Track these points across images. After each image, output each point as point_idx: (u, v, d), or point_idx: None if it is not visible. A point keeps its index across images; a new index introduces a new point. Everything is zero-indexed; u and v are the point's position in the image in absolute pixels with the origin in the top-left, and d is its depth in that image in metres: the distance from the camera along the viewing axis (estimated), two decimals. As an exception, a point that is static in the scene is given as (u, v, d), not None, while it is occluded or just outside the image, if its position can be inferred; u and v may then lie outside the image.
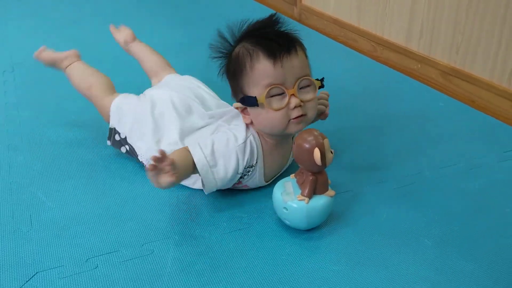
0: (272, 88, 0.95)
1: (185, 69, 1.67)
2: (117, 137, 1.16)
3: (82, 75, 1.26)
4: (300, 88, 0.97)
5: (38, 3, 2.50)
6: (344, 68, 1.76)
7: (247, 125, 1.02)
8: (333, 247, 0.92)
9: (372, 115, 1.42)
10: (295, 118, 0.96)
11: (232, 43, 1.01)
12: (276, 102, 0.96)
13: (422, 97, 1.55)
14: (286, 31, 0.99)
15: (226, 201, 1.04)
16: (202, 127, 1.10)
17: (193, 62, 1.75)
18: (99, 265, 0.88)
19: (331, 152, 0.92)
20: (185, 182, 1.07)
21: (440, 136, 1.31)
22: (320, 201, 0.93)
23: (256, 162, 1.02)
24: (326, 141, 0.91)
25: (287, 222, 0.95)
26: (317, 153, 0.89)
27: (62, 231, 0.96)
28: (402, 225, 0.98)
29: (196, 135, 1.09)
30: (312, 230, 0.96)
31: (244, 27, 1.00)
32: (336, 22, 2.05)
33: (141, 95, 1.22)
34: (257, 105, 0.96)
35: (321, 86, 1.03)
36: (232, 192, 1.06)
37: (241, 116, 1.02)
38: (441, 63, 1.59)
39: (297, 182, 0.96)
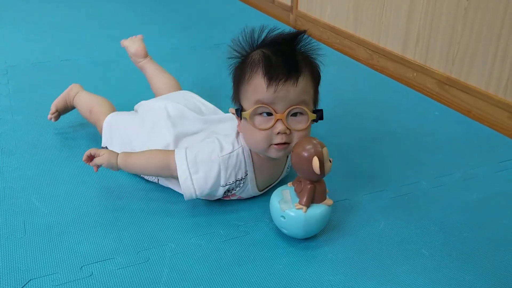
0: (260, 106, 0.92)
1: (181, 74, 1.67)
2: None
3: (84, 102, 1.27)
4: (291, 115, 0.93)
5: (33, 6, 2.48)
6: (340, 76, 1.76)
7: (238, 135, 1.00)
8: (330, 257, 0.92)
9: (368, 123, 1.42)
10: (277, 144, 0.93)
11: (247, 49, 0.97)
12: (262, 121, 0.93)
13: (418, 106, 1.55)
14: (305, 53, 0.95)
15: (222, 209, 1.03)
16: (195, 132, 1.09)
17: (189, 67, 1.75)
18: (94, 273, 0.86)
19: (330, 161, 0.92)
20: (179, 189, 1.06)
21: (436, 145, 1.31)
22: (318, 210, 0.92)
23: (246, 175, 1.00)
24: (325, 150, 0.91)
25: (285, 231, 0.95)
26: (316, 162, 0.89)
27: (57, 238, 0.95)
28: (400, 235, 0.98)
29: (188, 141, 1.08)
30: (309, 239, 0.95)
31: (265, 36, 0.96)
32: (332, 29, 2.05)
33: (135, 106, 1.21)
34: (240, 116, 0.95)
35: (316, 120, 0.97)
36: (228, 200, 1.05)
37: (235, 124, 1.02)
38: (437, 72, 1.60)
39: (295, 190, 0.95)
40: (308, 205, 0.92)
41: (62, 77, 1.66)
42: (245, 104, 0.95)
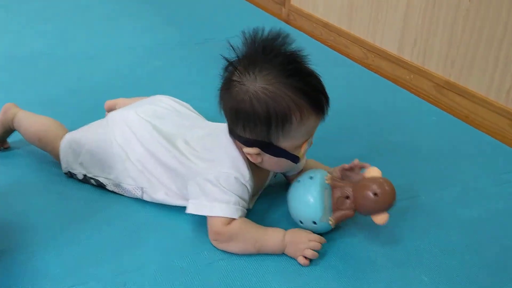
0: (310, 139, 0.91)
1: (165, 72, 1.59)
2: (78, 177, 1.06)
3: (28, 128, 1.11)
4: None
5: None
6: (332, 74, 1.66)
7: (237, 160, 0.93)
8: (322, 282, 0.85)
9: (361, 128, 1.35)
10: None
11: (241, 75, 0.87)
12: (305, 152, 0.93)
13: (414, 109, 1.48)
14: (306, 63, 0.89)
15: (205, 225, 0.96)
16: (171, 138, 1.00)
17: (174, 64, 1.67)
18: (64, 300, 0.79)
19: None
20: (164, 198, 0.99)
21: (432, 153, 1.24)
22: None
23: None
24: (393, 203, 0.89)
25: (301, 224, 0.92)
26: (384, 219, 0.88)
27: (25, 256, 0.86)
28: (397, 257, 0.91)
29: (175, 155, 0.98)
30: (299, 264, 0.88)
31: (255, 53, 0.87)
32: (325, 25, 1.97)
33: (98, 121, 1.10)
34: (296, 162, 0.92)
35: None
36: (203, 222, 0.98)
37: (220, 139, 0.95)
38: (435, 75, 1.53)
39: (333, 193, 0.91)
40: (336, 224, 0.92)
41: (37, 72, 1.56)
42: (286, 143, 0.88)
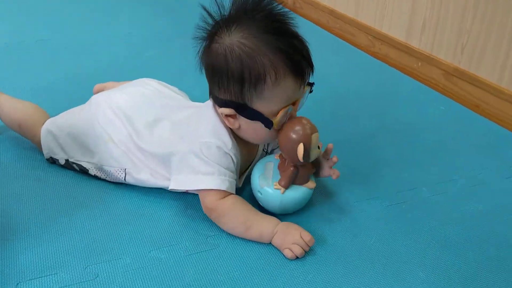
0: (287, 109, 0.83)
1: (162, 62, 1.54)
2: (60, 163, 1.01)
3: (8, 113, 1.06)
4: None
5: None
6: (338, 63, 1.61)
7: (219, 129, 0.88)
8: (311, 277, 0.79)
9: (365, 118, 1.28)
10: None
11: (217, 27, 0.83)
12: (282, 120, 0.84)
13: (421, 99, 1.41)
14: (292, 25, 0.84)
15: (192, 215, 0.90)
16: (156, 119, 0.95)
17: (173, 54, 1.61)
18: (31, 291, 0.74)
19: (318, 147, 0.84)
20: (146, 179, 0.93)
21: (439, 144, 1.17)
22: (297, 192, 0.87)
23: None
24: (314, 136, 0.83)
25: (260, 203, 0.90)
26: (300, 148, 0.81)
27: (-5, 246, 0.82)
28: (393, 252, 0.84)
29: (153, 133, 0.94)
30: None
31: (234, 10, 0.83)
32: (332, 12, 1.89)
33: (80, 105, 1.05)
34: (269, 127, 0.84)
35: (311, 91, 0.90)
36: (199, 205, 0.92)
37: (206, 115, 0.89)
38: (444, 62, 1.45)
39: (279, 166, 0.89)
40: (287, 187, 0.86)
41: (34, 60, 1.52)
42: (262, 106, 0.82)
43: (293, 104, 0.84)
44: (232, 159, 0.87)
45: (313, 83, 0.88)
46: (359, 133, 1.21)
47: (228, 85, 0.82)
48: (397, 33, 1.61)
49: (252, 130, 0.86)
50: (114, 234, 0.85)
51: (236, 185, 0.89)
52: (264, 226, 0.84)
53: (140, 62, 1.54)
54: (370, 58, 1.67)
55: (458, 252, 0.85)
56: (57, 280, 0.76)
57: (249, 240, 0.85)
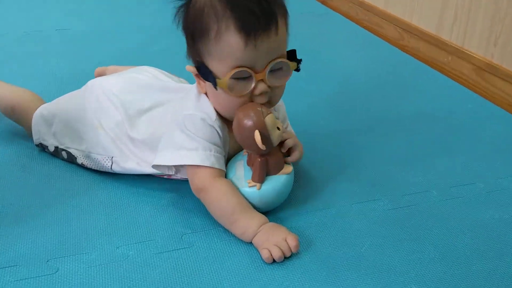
0: (238, 71, 0.76)
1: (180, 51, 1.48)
2: (50, 149, 0.97)
3: (4, 99, 1.03)
4: (271, 71, 0.78)
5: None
6: (365, 57, 1.51)
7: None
8: (287, 283, 0.70)
9: (384, 113, 1.18)
10: None
11: None
12: (240, 87, 0.78)
13: (448, 95, 1.29)
14: None
15: (172, 212, 0.84)
16: (152, 106, 0.91)
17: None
18: (-14, 284, 0.69)
19: (278, 128, 0.77)
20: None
21: (460, 145, 1.06)
22: (275, 183, 0.80)
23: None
24: (269, 118, 0.76)
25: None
26: (257, 136, 0.74)
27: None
28: (387, 262, 0.75)
29: (144, 120, 0.90)
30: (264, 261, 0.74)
31: None
32: (361, 4, 1.79)
33: (75, 91, 1.01)
34: (215, 87, 0.78)
35: (297, 69, 0.82)
36: (178, 199, 0.86)
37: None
38: (475, 56, 1.32)
39: (247, 163, 0.82)
40: (261, 181, 0.80)
41: (53, 48, 1.51)
42: (213, 66, 0.78)
43: (255, 72, 0.77)
44: (217, 132, 0.81)
45: (300, 60, 0.82)
46: (376, 127, 1.12)
47: (188, 41, 0.81)
48: (427, 25, 1.49)
49: (214, 97, 0.81)
50: (86, 227, 0.80)
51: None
52: (248, 223, 0.77)
53: (158, 50, 1.50)
54: (398, 51, 1.55)
55: (465, 267, 0.74)
56: (15, 272, 0.71)
57: (228, 240, 0.78)
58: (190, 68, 0.83)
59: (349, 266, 0.74)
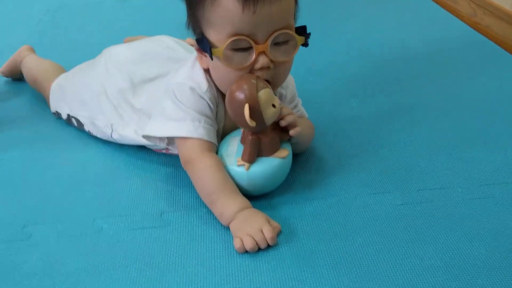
0: (236, 40, 0.70)
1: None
2: (63, 117, 0.97)
3: (28, 70, 1.07)
4: (275, 44, 0.72)
5: None
6: (431, 34, 1.35)
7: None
8: (251, 277, 0.64)
9: (427, 97, 1.05)
10: None
11: None
12: (238, 58, 0.72)
13: (510, 83, 1.12)
14: None
15: (159, 189, 0.80)
16: (158, 75, 0.88)
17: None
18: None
19: (273, 106, 0.70)
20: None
21: (504, 141, 0.90)
22: (265, 166, 0.74)
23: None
24: (264, 93, 0.69)
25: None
26: (246, 110, 0.68)
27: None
28: (376, 265, 0.65)
29: (147, 89, 0.88)
30: (246, 252, 0.68)
31: None
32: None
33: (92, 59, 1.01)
34: (211, 57, 0.72)
35: (305, 44, 0.75)
36: (166, 177, 0.82)
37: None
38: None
39: (241, 139, 0.77)
40: (251, 161, 0.74)
41: (113, 19, 1.52)
42: (211, 35, 0.73)
43: (256, 43, 0.70)
44: (208, 104, 0.77)
45: (308, 34, 0.75)
46: (411, 111, 1.00)
47: (187, 9, 0.76)
48: (503, 0, 1.31)
49: (215, 70, 0.75)
50: (70, 197, 0.79)
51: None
52: (226, 206, 0.71)
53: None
54: (469, 29, 1.38)
55: (468, 280, 0.63)
56: (-12, 235, 0.71)
57: (208, 223, 0.73)
58: (190, 40, 0.78)
59: (330, 264, 0.66)
